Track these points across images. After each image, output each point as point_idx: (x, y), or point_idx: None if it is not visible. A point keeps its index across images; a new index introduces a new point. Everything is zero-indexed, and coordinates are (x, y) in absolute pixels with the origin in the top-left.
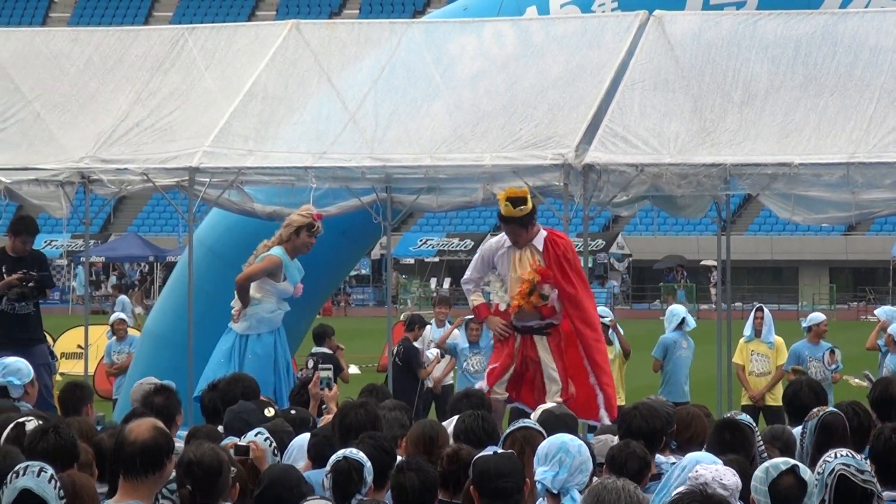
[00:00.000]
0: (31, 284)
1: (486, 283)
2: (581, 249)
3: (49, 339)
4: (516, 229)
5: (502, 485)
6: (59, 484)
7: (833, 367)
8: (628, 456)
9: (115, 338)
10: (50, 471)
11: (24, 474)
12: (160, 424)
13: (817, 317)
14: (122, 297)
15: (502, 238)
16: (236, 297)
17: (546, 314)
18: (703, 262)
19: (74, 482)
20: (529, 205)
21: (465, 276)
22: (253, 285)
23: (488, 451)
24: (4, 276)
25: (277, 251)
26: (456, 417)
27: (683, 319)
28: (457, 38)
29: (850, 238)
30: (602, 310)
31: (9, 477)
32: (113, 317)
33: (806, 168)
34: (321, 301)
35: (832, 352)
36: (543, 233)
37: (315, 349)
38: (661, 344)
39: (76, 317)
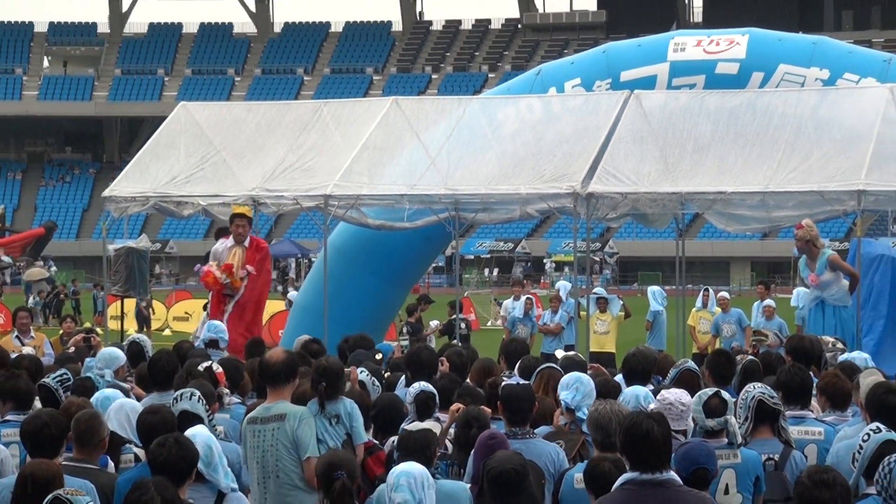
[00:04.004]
0: None
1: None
2: (585, 250)
3: None
4: (245, 224)
5: (521, 405)
6: (204, 402)
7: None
8: (609, 389)
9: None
10: (197, 394)
11: (181, 400)
12: (288, 350)
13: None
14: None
15: (225, 241)
16: None
17: (236, 288)
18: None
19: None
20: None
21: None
22: None
23: (513, 380)
24: None
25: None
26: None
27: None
28: (502, 109)
29: (765, 242)
30: (598, 289)
31: (172, 402)
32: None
33: (735, 195)
34: (412, 283)
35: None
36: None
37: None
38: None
39: None
